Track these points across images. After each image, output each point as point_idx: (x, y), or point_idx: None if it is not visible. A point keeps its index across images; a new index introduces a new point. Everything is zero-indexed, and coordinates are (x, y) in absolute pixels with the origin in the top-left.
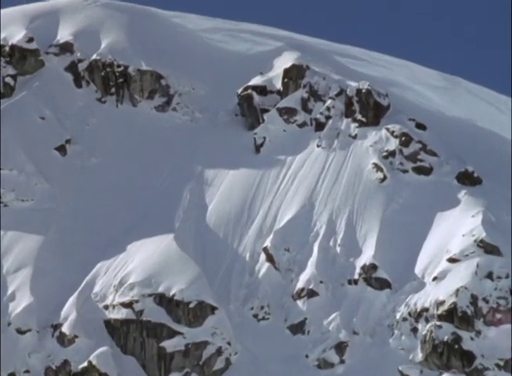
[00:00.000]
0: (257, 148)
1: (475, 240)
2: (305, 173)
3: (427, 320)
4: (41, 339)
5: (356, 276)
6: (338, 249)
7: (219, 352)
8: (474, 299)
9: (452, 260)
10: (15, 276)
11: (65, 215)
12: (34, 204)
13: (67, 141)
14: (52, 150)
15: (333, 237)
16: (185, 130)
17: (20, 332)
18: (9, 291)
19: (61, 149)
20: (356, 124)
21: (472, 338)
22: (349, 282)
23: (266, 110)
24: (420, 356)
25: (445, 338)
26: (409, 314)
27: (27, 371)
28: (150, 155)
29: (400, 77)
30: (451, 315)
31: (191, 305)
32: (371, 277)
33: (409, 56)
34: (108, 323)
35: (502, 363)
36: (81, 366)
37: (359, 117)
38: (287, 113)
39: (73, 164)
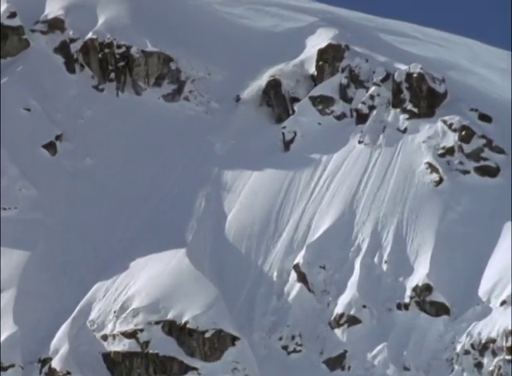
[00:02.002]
0: (287, 145)
1: None
2: (344, 175)
3: (494, 354)
4: None
5: (407, 300)
6: (384, 267)
7: None
8: None
9: None
10: None
11: (55, 226)
12: (17, 213)
13: (57, 137)
14: (39, 149)
15: (378, 252)
16: (199, 123)
17: (1, 368)
18: None
19: (50, 147)
20: (406, 116)
21: None
22: (398, 307)
23: (297, 99)
24: None
25: None
26: (472, 346)
27: None
28: (157, 154)
29: (459, 58)
30: None
31: (207, 335)
32: (425, 301)
33: (470, 33)
34: (107, 357)
35: None
36: None
37: (410, 107)
38: (322, 102)
39: (65, 165)
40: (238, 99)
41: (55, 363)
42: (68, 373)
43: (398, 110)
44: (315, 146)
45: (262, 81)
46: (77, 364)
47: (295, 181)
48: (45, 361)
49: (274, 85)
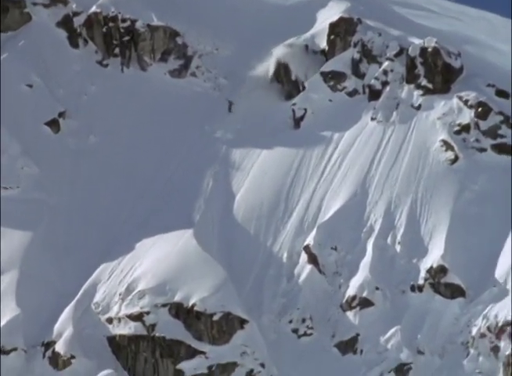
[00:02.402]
0: (297, 122)
1: None
2: (356, 153)
3: (511, 337)
4: (29, 361)
5: (421, 282)
6: (398, 248)
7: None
8: None
9: None
10: None
11: (58, 206)
12: (19, 192)
13: (60, 115)
14: (41, 126)
15: (391, 233)
16: (207, 100)
17: (3, 352)
18: None
19: (53, 124)
20: (420, 92)
21: None
22: (412, 289)
23: (307, 76)
24: None
25: None
26: (489, 329)
27: None
28: (163, 132)
29: (477, 32)
30: None
31: (215, 318)
32: (440, 283)
33: (489, 6)
34: (112, 341)
35: None
36: None
37: (424, 82)
38: (334, 78)
39: (68, 143)
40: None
41: (59, 347)
42: (72, 356)
43: (412, 85)
44: (326, 123)
45: (272, 56)
46: (81, 348)
47: (305, 159)
48: (49, 345)
49: (284, 61)
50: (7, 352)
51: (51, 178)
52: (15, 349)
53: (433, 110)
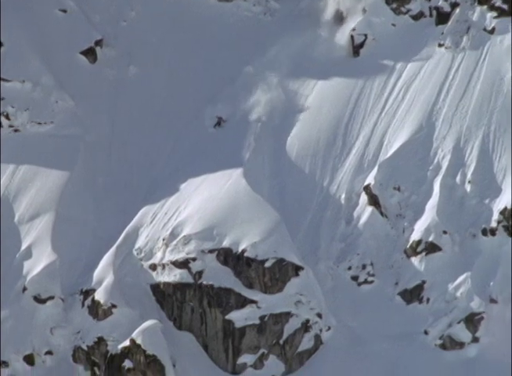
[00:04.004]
0: (356, 49)
1: None
2: (422, 83)
3: None
4: (67, 310)
5: (493, 225)
6: (468, 187)
7: (306, 327)
8: None
9: None
10: (31, 225)
11: (96, 143)
12: (53, 128)
13: (97, 43)
14: (76, 56)
15: (460, 171)
16: (257, 26)
17: (39, 301)
18: (24, 246)
19: (89, 53)
20: (494, 14)
21: None
22: (484, 232)
23: None
24: None
25: None
26: None
27: (49, 352)
28: (210, 62)
29: None
30: None
31: (267, 265)
32: None
33: None
34: (156, 289)
35: None
36: (121, 346)
37: (498, 3)
38: (397, 0)
39: (106, 74)
40: None
41: (99, 295)
42: (113, 306)
43: (485, 7)
44: (388, 50)
45: None
46: (122, 296)
47: (366, 91)
48: (88, 293)
49: None
50: (43, 301)
51: (87, 113)
52: (51, 298)
53: (508, 34)
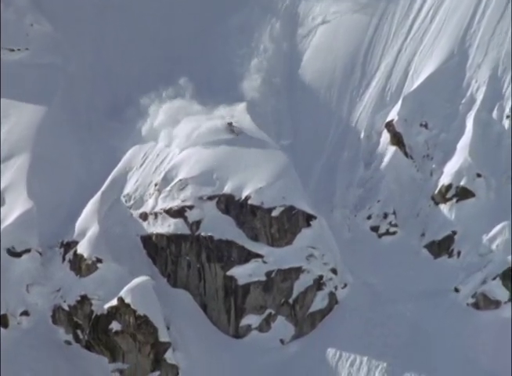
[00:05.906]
0: None
1: None
2: (454, 3)
3: None
4: (45, 265)
5: None
6: (506, 123)
7: (319, 284)
8: None
9: None
10: (5, 167)
11: (78, 74)
12: (29, 56)
13: None
14: None
15: (497, 105)
16: None
17: (14, 254)
18: None
19: None
20: None
21: None
22: None
23: None
24: None
25: None
26: None
27: (25, 313)
28: None
29: None
30: None
31: (274, 213)
32: None
33: None
34: (147, 241)
35: None
36: (107, 306)
37: None
38: None
39: None
40: None
41: (82, 248)
42: (98, 260)
43: None
44: None
45: None
46: (109, 250)
47: (388, 12)
48: (69, 245)
49: None
50: (18, 255)
51: (68, 39)
52: (27, 251)
53: None
